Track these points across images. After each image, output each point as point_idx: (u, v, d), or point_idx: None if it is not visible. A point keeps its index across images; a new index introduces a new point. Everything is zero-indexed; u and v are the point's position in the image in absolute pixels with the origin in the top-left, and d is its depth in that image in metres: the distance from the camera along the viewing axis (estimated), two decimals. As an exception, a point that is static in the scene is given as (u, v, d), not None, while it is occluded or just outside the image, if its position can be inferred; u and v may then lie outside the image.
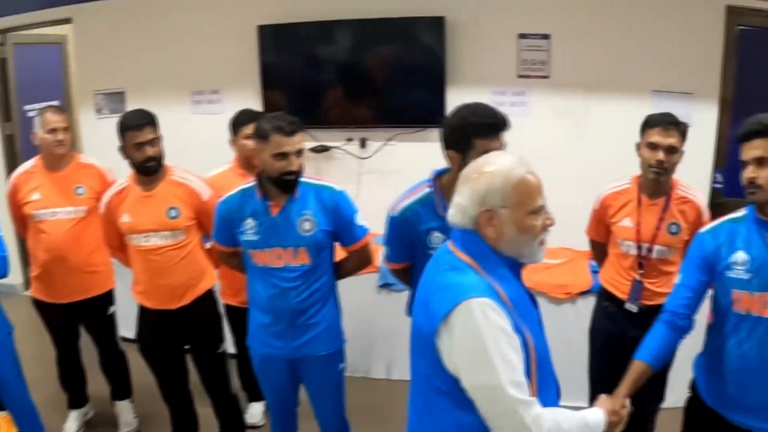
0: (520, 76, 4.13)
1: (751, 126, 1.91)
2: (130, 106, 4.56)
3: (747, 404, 2.03)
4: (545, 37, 4.11)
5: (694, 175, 4.18)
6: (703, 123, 4.26)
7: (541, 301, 3.47)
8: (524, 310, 1.56)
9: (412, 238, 2.31)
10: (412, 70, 4.22)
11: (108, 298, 3.31)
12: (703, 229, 2.13)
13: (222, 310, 3.09)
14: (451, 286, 1.50)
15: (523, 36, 4.12)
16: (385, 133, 4.31)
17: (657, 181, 2.59)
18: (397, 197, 2.34)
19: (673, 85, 4.18)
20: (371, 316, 3.88)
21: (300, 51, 4.36)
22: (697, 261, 2.08)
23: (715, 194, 4.24)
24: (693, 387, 2.24)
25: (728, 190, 4.13)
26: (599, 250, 2.95)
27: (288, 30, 4.30)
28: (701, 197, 2.72)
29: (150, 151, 2.70)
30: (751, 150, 1.90)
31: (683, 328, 2.10)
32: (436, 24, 4.11)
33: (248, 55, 4.36)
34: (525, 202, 1.53)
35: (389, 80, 4.29)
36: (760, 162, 1.88)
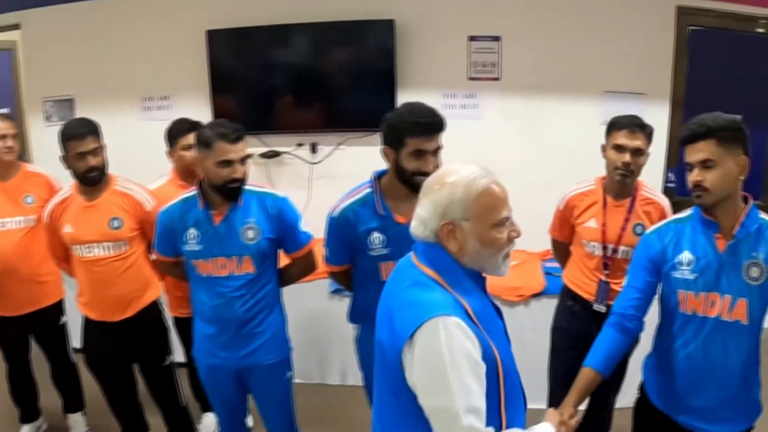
0: (471, 79, 4.10)
1: (694, 128, 1.88)
2: (80, 113, 4.48)
3: (694, 405, 2.02)
4: (496, 39, 4.09)
5: (647, 174, 4.18)
6: (655, 123, 4.14)
7: None
8: (490, 324, 1.51)
9: (351, 239, 2.31)
10: (363, 74, 4.18)
11: (59, 308, 3.25)
12: (648, 230, 2.13)
13: (170, 322, 3.04)
14: (416, 303, 1.44)
15: (473, 38, 4.10)
16: (335, 137, 4.26)
17: (623, 183, 2.61)
18: (339, 198, 2.33)
19: (624, 86, 4.18)
20: (324, 322, 3.85)
21: (250, 55, 4.30)
22: (644, 262, 2.07)
23: (667, 193, 4.23)
24: (642, 388, 2.22)
25: (681, 189, 4.13)
26: (562, 251, 2.95)
27: (238, 34, 4.23)
28: (665, 198, 2.73)
29: (92, 161, 2.64)
30: (696, 153, 1.88)
31: (632, 331, 2.08)
32: (386, 27, 4.07)
33: (198, 61, 4.29)
34: (488, 214, 1.47)
35: (340, 84, 4.24)
36: (705, 164, 1.86)
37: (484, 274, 1.56)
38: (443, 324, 1.37)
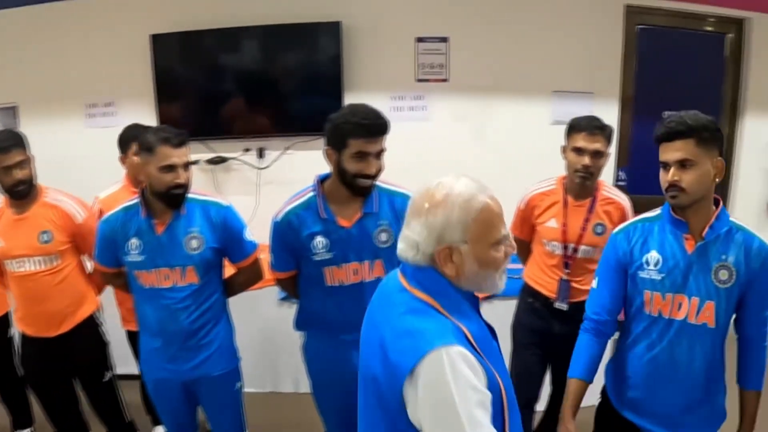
0: (419, 80, 4.06)
1: (673, 126, 1.81)
2: (24, 121, 4.39)
3: (657, 410, 1.99)
4: (443, 40, 4.06)
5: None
6: (606, 122, 4.26)
7: None
8: (488, 347, 1.40)
9: (294, 243, 2.26)
10: (311, 77, 4.12)
11: (5, 321, 3.14)
12: (616, 230, 2.09)
13: (110, 336, 2.93)
14: (414, 332, 1.30)
15: (421, 39, 4.06)
16: (282, 141, 4.19)
17: (582, 184, 2.59)
18: (283, 203, 2.28)
19: (573, 85, 4.18)
20: (274, 331, 3.78)
21: (196, 60, 4.22)
22: (612, 263, 2.04)
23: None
24: (604, 392, 2.19)
25: (631, 187, 4.14)
26: (523, 249, 2.94)
27: (183, 38, 4.15)
28: (626, 198, 2.71)
29: (19, 174, 2.54)
30: (674, 151, 1.81)
31: (608, 333, 2.08)
32: (333, 29, 4.02)
33: (142, 66, 4.20)
34: (487, 234, 1.34)
35: (287, 88, 4.18)
36: (682, 164, 1.81)
37: (477, 293, 1.45)
38: (446, 355, 1.25)
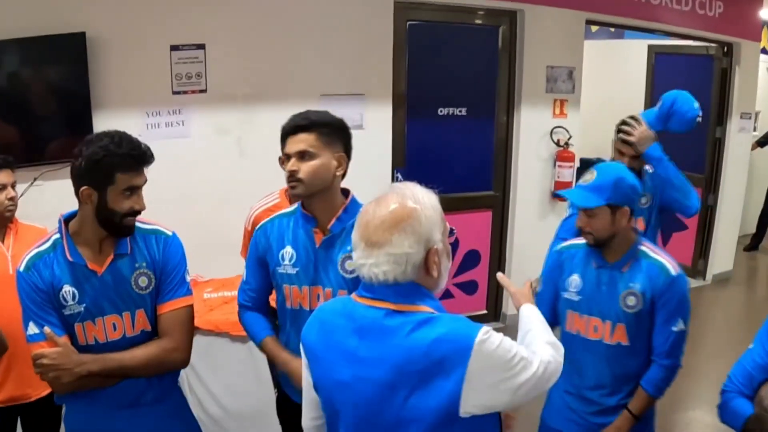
0: (176, 93, 3.76)
1: (298, 121, 1.91)
2: None
3: None
4: (200, 47, 3.80)
5: (377, 175, 4.15)
6: (379, 123, 4.20)
7: (222, 342, 3.13)
8: None
9: (42, 297, 1.82)
10: (54, 96, 3.72)
11: None
12: (257, 227, 2.08)
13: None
14: (442, 339, 1.29)
15: (175, 48, 3.77)
16: (29, 172, 3.78)
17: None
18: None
19: (343, 88, 4.06)
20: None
21: None
22: (253, 257, 2.07)
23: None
24: None
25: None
26: None
27: None
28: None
29: None
30: (295, 143, 1.89)
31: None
32: (76, 41, 3.63)
33: None
34: (445, 225, 1.42)
35: (28, 111, 3.77)
36: (302, 155, 1.88)
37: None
38: (481, 335, 1.30)
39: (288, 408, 2.17)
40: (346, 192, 2.00)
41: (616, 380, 2.16)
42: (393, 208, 1.37)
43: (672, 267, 2.10)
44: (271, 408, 2.40)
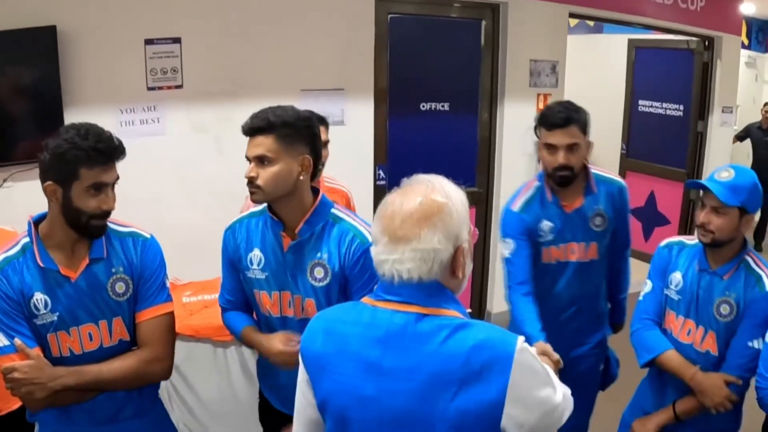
0: (151, 89, 3.65)
1: (255, 122, 1.74)
2: None
3: None
4: (176, 41, 3.69)
5: (359, 172, 4.08)
6: (361, 118, 4.12)
7: (203, 349, 3.01)
8: None
9: (12, 306, 1.70)
10: (22, 94, 3.59)
11: None
12: (226, 227, 1.98)
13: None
14: (482, 346, 1.20)
15: (150, 41, 3.66)
16: (-3, 173, 3.66)
17: None
18: None
19: (323, 83, 3.98)
20: None
21: None
22: (226, 259, 1.98)
23: (380, 191, 4.14)
24: None
25: (392, 185, 4.04)
26: None
27: None
28: (346, 186, 2.69)
29: None
30: (254, 147, 1.75)
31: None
32: (46, 36, 3.51)
33: None
34: (470, 225, 1.32)
35: (-4, 107, 3.65)
36: (261, 160, 1.74)
37: None
38: (519, 344, 1.22)
39: (268, 414, 2.10)
40: (316, 190, 1.88)
41: None
42: (421, 200, 1.25)
43: None
44: (255, 415, 2.31)
